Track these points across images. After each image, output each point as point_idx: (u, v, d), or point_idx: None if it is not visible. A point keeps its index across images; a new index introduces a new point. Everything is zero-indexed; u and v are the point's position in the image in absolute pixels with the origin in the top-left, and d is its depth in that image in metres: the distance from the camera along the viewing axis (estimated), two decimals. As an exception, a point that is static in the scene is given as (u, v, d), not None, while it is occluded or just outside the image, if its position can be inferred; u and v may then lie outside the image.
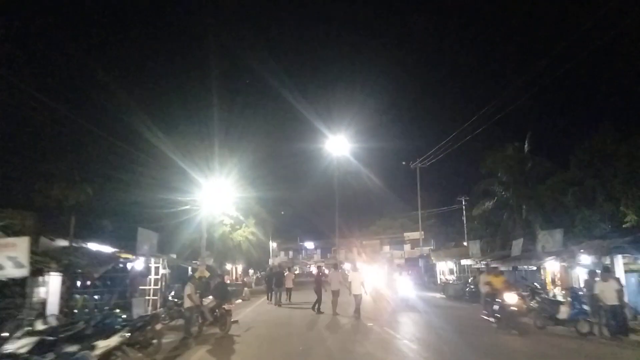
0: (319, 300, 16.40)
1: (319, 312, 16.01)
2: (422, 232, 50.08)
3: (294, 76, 73.18)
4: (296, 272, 55.59)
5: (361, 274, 16.05)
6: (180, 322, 12.30)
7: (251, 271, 35.38)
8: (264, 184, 28.17)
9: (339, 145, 40.13)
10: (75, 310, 11.37)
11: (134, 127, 18.79)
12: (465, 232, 43.09)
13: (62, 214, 15.84)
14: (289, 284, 21.37)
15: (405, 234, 52.66)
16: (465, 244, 29.31)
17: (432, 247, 47.94)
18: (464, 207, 43.06)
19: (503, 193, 27.20)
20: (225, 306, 11.57)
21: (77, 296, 12.01)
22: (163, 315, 13.01)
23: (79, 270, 10.65)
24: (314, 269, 58.95)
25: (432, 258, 30.28)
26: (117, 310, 12.51)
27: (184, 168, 19.38)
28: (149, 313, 11.86)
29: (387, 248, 53.82)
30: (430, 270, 31.01)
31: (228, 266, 32.30)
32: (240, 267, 35.10)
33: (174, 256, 20.38)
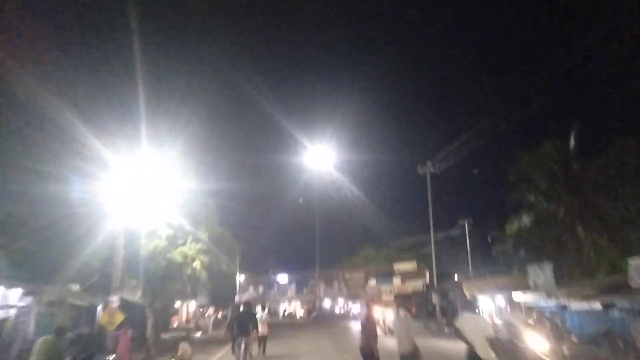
0: None
1: None
2: (418, 263, 43.53)
3: (270, 82, 65.78)
4: (265, 311, 46.20)
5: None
6: None
7: (210, 310, 27.15)
8: (224, 193, 21.14)
9: (318, 161, 33.83)
10: None
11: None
12: (469, 261, 37.24)
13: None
14: (263, 330, 13.90)
15: (396, 266, 45.48)
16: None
17: (426, 282, 41.42)
18: (467, 230, 37.58)
19: (545, 205, 20.98)
20: None
21: None
22: None
23: None
24: (287, 306, 50.27)
25: (466, 292, 22.25)
26: None
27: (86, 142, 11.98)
28: None
29: (373, 282, 46.27)
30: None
31: (177, 303, 24.14)
32: (193, 305, 26.73)
33: (76, 287, 12.66)
